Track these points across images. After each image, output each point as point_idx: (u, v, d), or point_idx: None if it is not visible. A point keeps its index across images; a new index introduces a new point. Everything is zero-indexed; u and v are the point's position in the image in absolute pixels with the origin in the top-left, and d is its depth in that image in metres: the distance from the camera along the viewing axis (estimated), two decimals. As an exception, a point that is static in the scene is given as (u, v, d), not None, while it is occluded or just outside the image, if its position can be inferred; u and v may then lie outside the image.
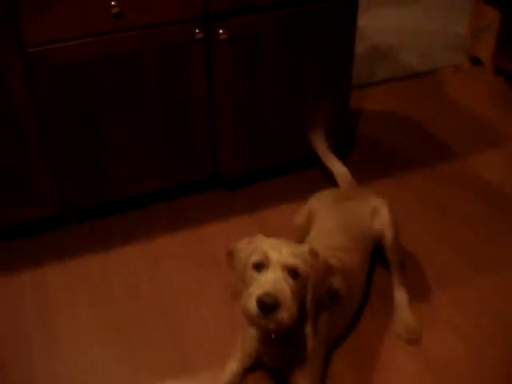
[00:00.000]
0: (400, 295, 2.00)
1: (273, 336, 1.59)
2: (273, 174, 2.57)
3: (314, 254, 1.58)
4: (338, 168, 2.23)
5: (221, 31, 2.08)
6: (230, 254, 1.64)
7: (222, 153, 2.36)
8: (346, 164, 2.27)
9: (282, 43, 2.20)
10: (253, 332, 1.69)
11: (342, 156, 2.39)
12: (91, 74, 2.00)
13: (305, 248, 1.58)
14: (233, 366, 1.74)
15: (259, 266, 1.52)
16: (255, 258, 1.52)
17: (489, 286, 2.08)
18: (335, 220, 1.96)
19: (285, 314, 1.45)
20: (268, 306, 1.43)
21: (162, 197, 2.46)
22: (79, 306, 2.03)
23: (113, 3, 1.90)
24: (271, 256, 1.50)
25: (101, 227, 2.35)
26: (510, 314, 1.98)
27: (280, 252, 1.51)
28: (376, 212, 2.00)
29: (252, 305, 1.45)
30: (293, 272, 1.50)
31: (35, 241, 2.29)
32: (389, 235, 1.98)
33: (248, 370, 1.76)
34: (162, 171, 2.31)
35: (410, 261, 2.18)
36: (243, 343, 1.74)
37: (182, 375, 1.80)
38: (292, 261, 1.50)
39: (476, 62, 3.52)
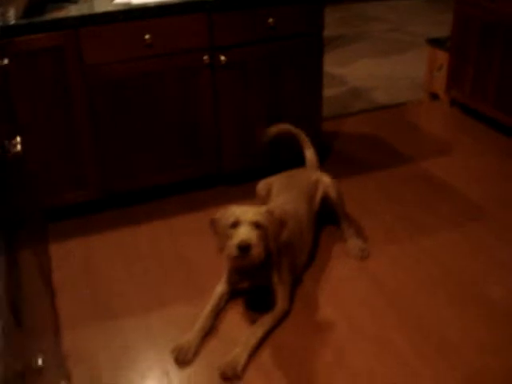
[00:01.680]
0: (348, 230, 2.77)
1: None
2: (265, 174, 3.27)
3: (270, 212, 2.27)
4: (309, 152, 2.98)
5: (222, 58, 2.88)
6: (213, 222, 2.30)
7: (224, 153, 3.10)
8: (322, 166, 3.05)
9: (266, 67, 2.99)
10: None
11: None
12: (128, 86, 2.78)
13: (264, 209, 2.27)
14: (219, 288, 2.41)
15: (234, 225, 2.19)
16: (231, 220, 2.20)
17: (420, 242, 2.77)
18: (285, 187, 2.72)
19: (255, 252, 2.14)
20: (243, 247, 2.12)
21: (178, 190, 3.18)
22: (115, 261, 2.72)
23: (146, 37, 2.70)
24: (241, 217, 2.18)
25: (131, 211, 3.07)
26: (441, 255, 2.66)
27: (247, 214, 2.20)
28: (319, 180, 2.78)
29: (234, 249, 2.15)
30: (256, 225, 2.18)
31: (81, 220, 3.00)
32: (332, 193, 2.74)
33: (231, 294, 2.43)
34: (178, 166, 3.04)
35: (367, 228, 2.88)
36: (228, 274, 2.42)
37: (193, 295, 2.47)
38: (255, 218, 2.18)
39: (434, 97, 4.30)
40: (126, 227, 2.95)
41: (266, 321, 2.27)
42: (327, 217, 2.85)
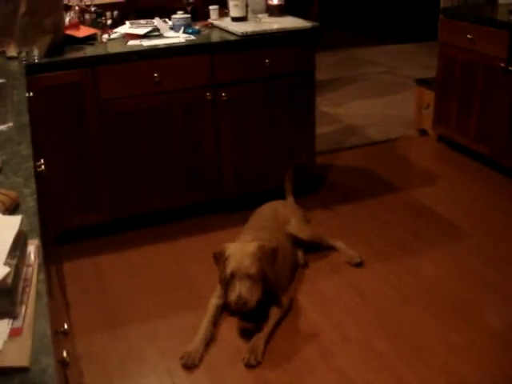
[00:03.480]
0: (339, 244, 3.08)
1: None
2: (261, 201, 3.51)
3: (261, 247, 2.50)
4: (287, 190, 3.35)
5: (223, 94, 3.18)
6: (215, 256, 2.56)
7: (225, 181, 3.38)
8: (316, 195, 3.56)
9: (263, 102, 3.30)
10: None
11: (312, 192, 3.56)
12: (138, 119, 3.08)
13: (255, 247, 2.47)
14: (214, 301, 2.64)
15: (232, 276, 2.44)
16: (229, 271, 2.43)
17: (406, 262, 3.03)
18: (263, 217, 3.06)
19: (251, 304, 2.42)
20: (240, 304, 2.40)
21: (183, 216, 3.44)
22: (123, 278, 2.97)
23: (155, 75, 3.01)
24: (236, 270, 2.42)
25: (139, 234, 3.33)
26: (421, 271, 2.90)
27: (242, 265, 2.41)
28: (286, 218, 3.04)
29: (232, 304, 2.43)
30: (249, 276, 2.41)
31: (93, 242, 3.26)
32: (302, 235, 3.01)
33: (224, 306, 2.64)
34: (182, 192, 3.31)
35: (356, 250, 3.13)
36: (221, 288, 2.64)
37: (195, 307, 2.70)
38: (250, 271, 2.41)
39: (423, 133, 4.60)
40: (134, 248, 3.20)
41: (275, 314, 2.56)
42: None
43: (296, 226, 3.03)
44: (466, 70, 3.91)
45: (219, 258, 2.52)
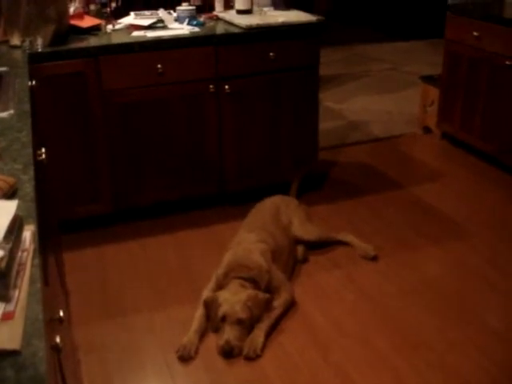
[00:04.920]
0: (350, 238, 3.09)
1: None
2: (263, 195, 3.50)
3: (253, 297, 2.46)
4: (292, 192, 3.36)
5: (226, 87, 3.17)
6: (206, 304, 2.50)
7: (227, 174, 3.36)
8: (319, 191, 3.55)
9: (266, 96, 3.29)
10: None
11: (314, 187, 3.56)
12: (141, 111, 3.07)
13: (246, 296, 2.43)
14: (206, 293, 2.59)
15: (223, 319, 2.42)
16: (220, 314, 2.41)
17: (405, 258, 3.02)
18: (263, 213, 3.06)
19: (237, 352, 2.36)
20: (226, 350, 2.36)
21: (183, 208, 3.43)
22: (124, 269, 2.97)
23: (159, 66, 3.00)
24: (228, 317, 2.40)
25: (140, 225, 3.32)
26: (421, 267, 2.89)
27: (233, 310, 2.39)
28: (288, 217, 3.04)
29: (220, 349, 2.37)
30: (240, 322, 2.39)
31: (94, 232, 3.26)
32: (308, 237, 3.02)
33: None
34: (184, 185, 3.30)
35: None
36: (215, 281, 2.64)
37: (194, 299, 2.69)
38: (241, 316, 2.39)
39: (427, 130, 4.57)
40: (135, 239, 3.20)
41: (276, 309, 2.55)
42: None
43: (300, 227, 3.02)
44: (472, 67, 3.89)
45: (211, 305, 2.48)
